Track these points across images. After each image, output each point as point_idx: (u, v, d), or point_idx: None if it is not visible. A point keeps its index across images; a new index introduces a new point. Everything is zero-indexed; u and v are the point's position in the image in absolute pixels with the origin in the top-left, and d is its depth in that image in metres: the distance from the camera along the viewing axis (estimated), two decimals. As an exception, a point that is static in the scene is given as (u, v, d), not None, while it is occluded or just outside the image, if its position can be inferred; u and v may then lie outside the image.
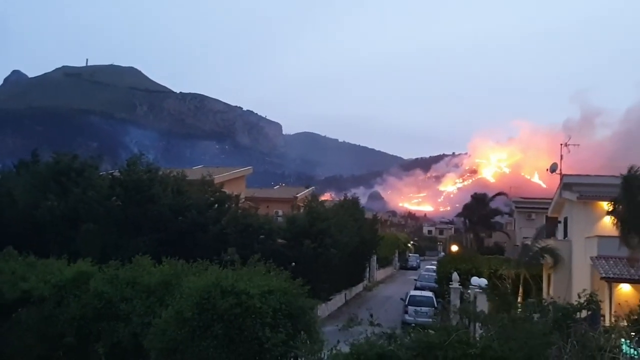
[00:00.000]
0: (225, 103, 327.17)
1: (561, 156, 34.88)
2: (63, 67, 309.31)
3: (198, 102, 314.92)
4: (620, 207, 19.10)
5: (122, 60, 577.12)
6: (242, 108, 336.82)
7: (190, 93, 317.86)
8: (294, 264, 24.15)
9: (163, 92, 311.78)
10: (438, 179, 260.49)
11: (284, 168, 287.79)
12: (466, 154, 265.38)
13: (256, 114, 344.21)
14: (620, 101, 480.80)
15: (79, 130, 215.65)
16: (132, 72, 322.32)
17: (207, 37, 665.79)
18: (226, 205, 28.07)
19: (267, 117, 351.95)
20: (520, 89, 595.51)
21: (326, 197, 62.13)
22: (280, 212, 40.82)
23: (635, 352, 7.82)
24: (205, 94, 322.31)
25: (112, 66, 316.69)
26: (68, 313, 13.88)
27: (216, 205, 27.76)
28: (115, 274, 14.46)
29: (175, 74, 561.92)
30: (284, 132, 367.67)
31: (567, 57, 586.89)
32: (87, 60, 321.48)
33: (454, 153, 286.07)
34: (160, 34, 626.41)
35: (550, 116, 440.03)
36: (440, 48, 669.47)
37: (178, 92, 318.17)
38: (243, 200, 33.41)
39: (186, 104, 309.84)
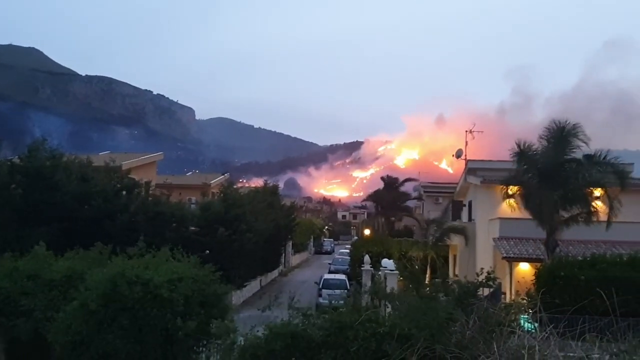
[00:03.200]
0: (134, 87, 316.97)
1: (466, 142, 36.53)
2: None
3: (105, 86, 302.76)
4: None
5: (22, 40, 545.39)
6: (152, 92, 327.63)
7: (97, 76, 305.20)
8: (207, 251, 23.83)
9: (68, 75, 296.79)
10: (354, 165, 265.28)
11: (198, 154, 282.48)
12: (384, 141, 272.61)
13: (167, 98, 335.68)
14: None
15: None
16: (33, 52, 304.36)
17: (114, 17, 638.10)
18: (135, 192, 27.16)
19: (179, 102, 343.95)
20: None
21: (243, 183, 61.54)
22: (194, 199, 40.10)
23: (532, 326, 8.29)
24: (113, 77, 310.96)
25: (10, 46, 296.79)
26: (-40, 313, 12.88)
27: (124, 192, 26.79)
28: (15, 266, 13.58)
29: (80, 56, 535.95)
30: (197, 117, 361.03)
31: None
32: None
33: (366, 139, 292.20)
34: (63, 13, 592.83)
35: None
36: (361, 34, 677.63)
37: (84, 74, 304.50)
38: (154, 187, 32.47)
39: (93, 87, 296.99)
